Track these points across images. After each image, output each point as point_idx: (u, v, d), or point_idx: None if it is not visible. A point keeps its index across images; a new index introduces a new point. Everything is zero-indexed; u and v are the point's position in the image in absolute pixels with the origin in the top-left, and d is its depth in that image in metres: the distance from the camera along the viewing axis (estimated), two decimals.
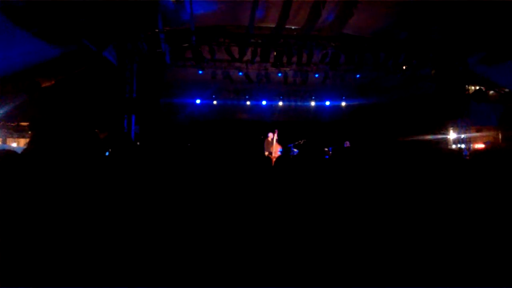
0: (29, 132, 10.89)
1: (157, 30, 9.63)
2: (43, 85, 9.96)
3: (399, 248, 1.96)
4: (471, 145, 11.32)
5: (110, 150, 2.57)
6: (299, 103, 14.90)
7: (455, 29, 9.66)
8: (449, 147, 11.47)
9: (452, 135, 11.71)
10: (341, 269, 1.87)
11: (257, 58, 10.82)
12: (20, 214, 1.51)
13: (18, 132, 11.33)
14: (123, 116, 9.70)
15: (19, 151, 1.86)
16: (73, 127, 1.88)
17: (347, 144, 11.72)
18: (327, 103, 14.91)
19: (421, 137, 11.21)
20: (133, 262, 1.67)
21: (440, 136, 11.57)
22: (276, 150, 10.51)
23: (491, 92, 12.17)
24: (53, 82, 10.07)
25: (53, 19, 7.37)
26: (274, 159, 2.89)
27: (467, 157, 7.00)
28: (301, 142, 11.12)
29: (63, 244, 1.54)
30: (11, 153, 1.74)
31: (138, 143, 9.70)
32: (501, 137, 12.42)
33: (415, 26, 10.15)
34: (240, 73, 12.11)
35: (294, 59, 10.90)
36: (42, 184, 1.60)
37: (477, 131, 12.14)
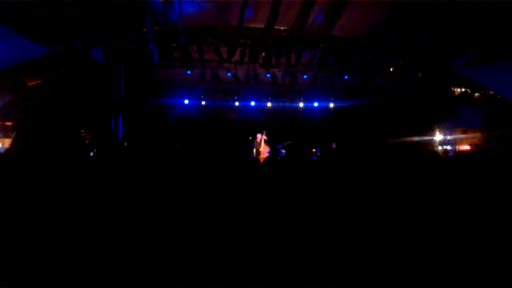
0: (13, 132, 10.72)
1: (145, 30, 9.56)
2: (29, 84, 9.81)
3: (384, 248, 1.97)
4: (457, 146, 11.48)
5: (95, 150, 2.54)
6: (287, 104, 14.95)
7: (442, 30, 9.78)
8: (434, 148, 11.61)
9: (438, 136, 11.86)
10: (328, 269, 1.88)
11: (246, 59, 10.82)
12: (4, 215, 1.48)
13: (3, 132, 11.14)
14: (110, 116, 9.61)
15: (2, 152, 1.83)
16: (58, 127, 1.85)
17: (335, 145, 11.79)
18: (315, 104, 14.98)
19: (407, 139, 11.33)
20: (118, 262, 1.66)
21: (426, 138, 11.70)
22: (264, 151, 10.54)
23: (477, 94, 12.34)
24: (39, 81, 9.93)
25: (40, 17, 7.26)
26: (262, 160, 2.89)
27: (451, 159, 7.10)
28: (289, 143, 11.16)
29: (47, 245, 1.51)
30: None
31: (125, 144, 9.61)
32: (485, 138, 12.61)
33: (403, 28, 10.26)
34: (229, 74, 12.10)
35: (283, 60, 10.91)
36: (25, 185, 1.58)
37: (462, 133, 12.31)
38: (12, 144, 1.79)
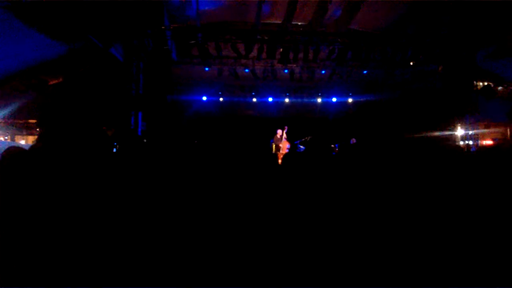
0: (37, 130, 10.98)
1: (163, 27, 9.64)
2: (51, 83, 10.02)
3: (405, 246, 1.95)
4: (479, 141, 11.22)
5: (117, 147, 2.58)
6: (305, 100, 14.85)
7: (464, 22, 9.55)
8: (456, 143, 11.37)
9: (459, 131, 11.61)
10: (348, 267, 1.87)
11: (263, 55, 10.78)
12: (27, 212, 1.52)
13: (27, 130, 11.43)
14: (130, 113, 9.73)
15: (27, 149, 1.87)
16: (81, 124, 1.88)
17: (354, 141, 11.67)
18: (334, 99, 14.83)
19: (428, 134, 11.12)
20: (140, 259, 1.68)
21: (447, 133, 11.47)
22: (284, 147, 10.51)
23: (500, 88, 12.02)
24: (60, 79, 10.13)
25: (60, 15, 7.39)
26: (281, 156, 2.88)
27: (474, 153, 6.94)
28: (308, 139, 11.09)
29: (69, 243, 1.55)
30: (19, 150, 1.76)
31: (145, 140, 9.70)
32: (510, 133, 12.29)
33: (423, 21, 10.06)
34: (247, 70, 12.08)
35: (301, 55, 10.83)
36: (50, 181, 1.61)
37: (485, 127, 12.03)
38: (37, 140, 1.84)
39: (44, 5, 7.00)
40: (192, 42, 10.26)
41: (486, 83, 11.43)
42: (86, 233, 1.59)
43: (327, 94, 14.76)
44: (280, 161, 2.97)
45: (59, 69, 9.78)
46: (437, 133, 11.20)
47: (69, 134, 1.79)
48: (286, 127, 10.75)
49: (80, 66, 9.92)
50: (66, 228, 1.56)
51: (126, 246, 1.68)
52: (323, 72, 12.38)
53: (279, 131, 10.80)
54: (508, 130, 12.28)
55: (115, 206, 1.76)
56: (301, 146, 11.23)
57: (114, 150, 2.57)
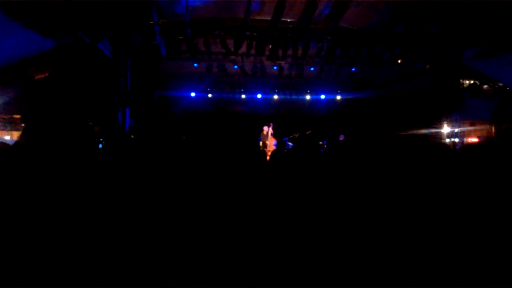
0: (22, 125, 10.80)
1: (152, 22, 9.55)
2: (37, 78, 9.87)
3: (392, 242, 1.97)
4: (465, 139, 11.39)
5: (103, 143, 2.55)
6: (294, 97, 14.91)
7: (451, 22, 9.67)
8: (442, 141, 11.51)
9: (446, 129, 11.76)
10: (336, 266, 1.88)
11: (253, 51, 10.76)
12: (11, 209, 1.49)
13: (12, 125, 11.24)
14: (117, 109, 9.64)
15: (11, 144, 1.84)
16: (67, 119, 1.85)
17: (342, 137, 11.74)
18: (322, 96, 14.91)
19: (415, 131, 11.24)
20: (123, 256, 1.67)
21: (434, 130, 11.61)
22: (271, 144, 10.52)
23: (485, 86, 12.21)
24: (46, 74, 9.98)
25: (47, 10, 7.27)
26: (269, 153, 2.89)
27: (459, 151, 7.04)
28: (296, 136, 11.11)
29: (53, 240, 1.52)
30: (2, 145, 1.72)
31: (132, 136, 9.63)
32: (494, 131, 12.49)
33: (411, 20, 10.15)
34: (235, 66, 12.07)
35: (290, 52, 10.83)
36: (33, 177, 1.59)
37: (470, 125, 12.20)
38: (21, 136, 1.81)
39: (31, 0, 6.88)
40: (181, 37, 10.18)
41: (472, 82, 11.60)
42: (71, 231, 1.57)
43: (315, 91, 14.82)
44: (268, 157, 2.97)
45: (45, 64, 9.64)
46: (424, 131, 11.34)
47: (53, 129, 1.76)
48: (271, 124, 10.76)
49: (67, 61, 9.79)
50: (50, 224, 1.54)
51: (110, 243, 1.66)
52: (312, 69, 12.42)
53: (265, 128, 10.81)
54: (493, 128, 12.46)
55: (100, 203, 1.74)
56: (290, 143, 11.25)
57: (100, 146, 2.54)
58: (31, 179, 1.57)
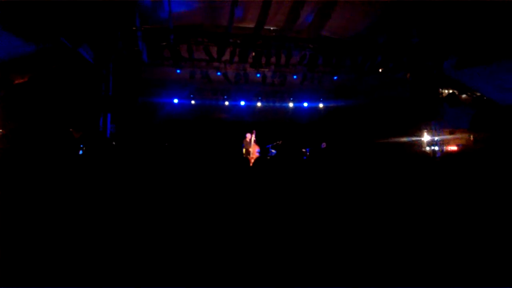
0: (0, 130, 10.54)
1: (134, 28, 9.48)
2: (16, 82, 9.66)
3: (371, 245, 1.99)
4: (444, 147, 11.61)
5: (84, 149, 2.51)
6: (277, 104, 15.01)
7: (431, 33, 9.89)
8: (422, 149, 11.72)
9: (426, 137, 11.98)
10: (313, 268, 1.88)
11: (236, 58, 10.78)
12: None
13: None
14: (98, 114, 9.51)
15: None
16: (46, 125, 1.82)
17: (324, 145, 11.85)
18: (305, 104, 15.06)
19: (396, 139, 11.43)
20: (99, 260, 1.64)
21: (414, 138, 11.82)
22: (254, 151, 10.54)
23: (464, 96, 12.48)
24: (26, 79, 9.78)
25: (28, 15, 7.14)
26: (252, 160, 2.89)
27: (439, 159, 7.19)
28: (279, 143, 11.17)
29: (30, 242, 1.49)
30: None
31: (113, 142, 9.51)
32: (473, 139, 12.77)
33: (393, 30, 10.34)
34: (219, 73, 12.07)
35: (273, 60, 10.90)
36: (10, 182, 1.55)
37: (450, 134, 12.44)
38: None
39: (10, 4, 6.75)
40: (164, 43, 10.14)
41: (451, 91, 11.87)
42: (46, 236, 1.54)
43: (298, 99, 14.95)
44: (251, 164, 2.97)
45: (25, 68, 9.44)
46: (404, 139, 11.53)
47: (31, 135, 1.73)
48: (254, 131, 10.79)
49: (48, 65, 9.61)
50: (29, 230, 1.51)
51: (90, 247, 1.63)
52: (295, 77, 12.52)
53: (248, 135, 10.84)
54: (471, 136, 12.75)
55: (80, 209, 1.71)
56: (273, 150, 11.30)
57: (81, 152, 2.50)
58: (8, 184, 1.54)
